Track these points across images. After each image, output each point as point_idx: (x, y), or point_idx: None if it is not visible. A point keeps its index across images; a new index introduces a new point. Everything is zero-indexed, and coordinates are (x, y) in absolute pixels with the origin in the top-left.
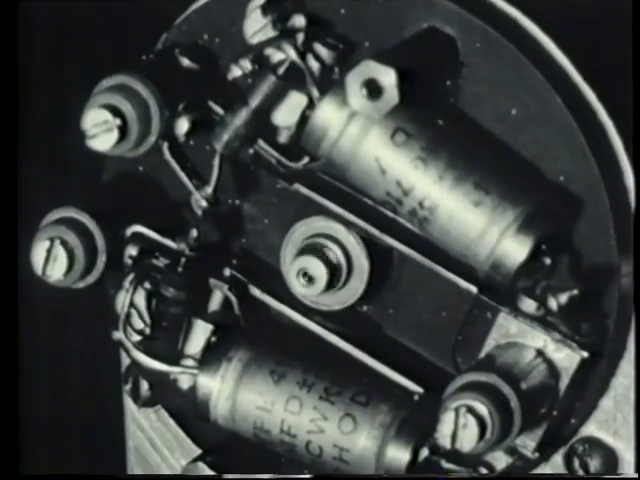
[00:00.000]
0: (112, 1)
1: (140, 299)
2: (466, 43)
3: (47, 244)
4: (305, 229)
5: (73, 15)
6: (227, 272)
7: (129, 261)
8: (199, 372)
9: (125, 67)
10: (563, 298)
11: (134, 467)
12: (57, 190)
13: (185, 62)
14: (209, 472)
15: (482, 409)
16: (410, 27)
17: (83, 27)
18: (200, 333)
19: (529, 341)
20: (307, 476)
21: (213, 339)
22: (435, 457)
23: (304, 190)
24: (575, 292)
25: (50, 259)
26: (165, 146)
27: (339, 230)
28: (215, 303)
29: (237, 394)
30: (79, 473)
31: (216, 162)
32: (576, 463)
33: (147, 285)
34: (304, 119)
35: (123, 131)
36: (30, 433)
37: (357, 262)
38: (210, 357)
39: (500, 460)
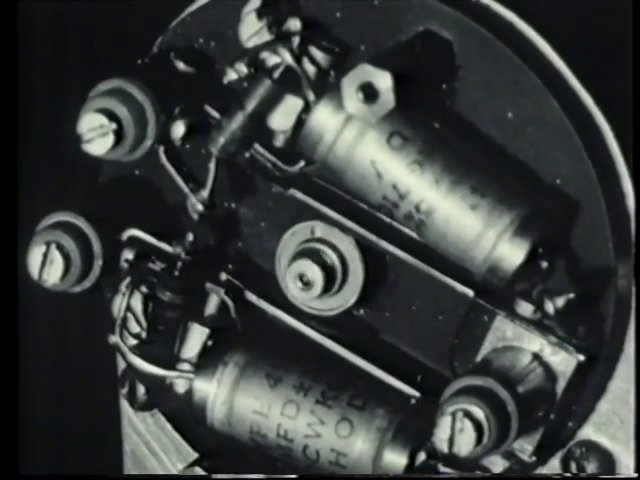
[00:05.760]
0: (108, 3)
1: (136, 303)
2: (462, 46)
3: (43, 248)
4: (297, 235)
5: (72, 18)
6: (223, 277)
7: (125, 265)
8: (195, 376)
9: (121, 71)
10: (560, 301)
11: (130, 471)
12: (53, 194)
13: (181, 66)
14: None
15: (479, 413)
16: (406, 30)
17: (80, 30)
18: (196, 337)
19: (526, 345)
20: (293, 476)
21: (209, 343)
22: (432, 461)
23: (300, 196)
24: (572, 295)
25: (46, 263)
26: (161, 150)
27: (335, 235)
28: (211, 307)
29: (233, 398)
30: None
31: (212, 166)
32: (573, 466)
33: (143, 289)
34: (300, 123)
35: (119, 135)
36: (29, 434)
37: (353, 266)
38: (206, 361)
39: (497, 464)
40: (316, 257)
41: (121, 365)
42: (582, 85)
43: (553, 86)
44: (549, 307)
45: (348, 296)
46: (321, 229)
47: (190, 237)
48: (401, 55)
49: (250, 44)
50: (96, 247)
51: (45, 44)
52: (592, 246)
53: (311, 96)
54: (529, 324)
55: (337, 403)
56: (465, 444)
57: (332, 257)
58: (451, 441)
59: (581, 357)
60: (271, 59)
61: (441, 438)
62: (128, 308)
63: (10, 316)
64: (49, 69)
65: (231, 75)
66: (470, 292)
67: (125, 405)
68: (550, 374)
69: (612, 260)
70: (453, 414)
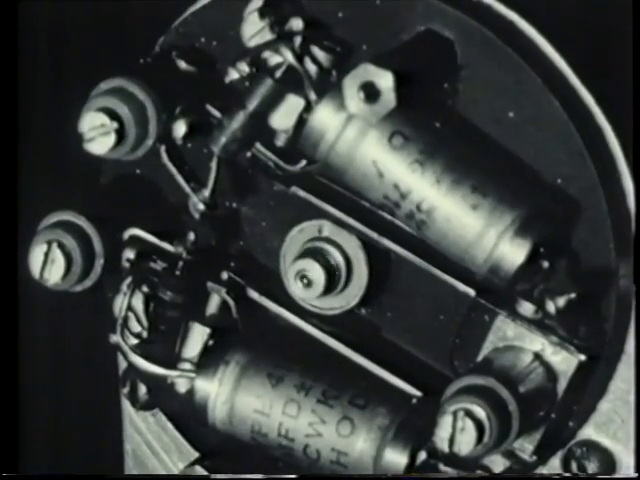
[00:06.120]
0: (110, 3)
1: (138, 302)
2: (464, 46)
3: (45, 247)
4: (304, 232)
5: (72, 18)
6: (225, 275)
7: (127, 264)
8: (196, 375)
9: (122, 70)
10: (561, 301)
11: (131, 470)
12: (54, 193)
13: (182, 65)
14: None
15: (480, 412)
16: (408, 30)
17: (81, 30)
18: (197, 336)
19: (527, 344)
20: (293, 476)
21: (210, 342)
22: (433, 460)
23: (302, 193)
24: (573, 295)
25: (48, 262)
26: (162, 149)
27: (342, 235)
28: (213, 306)
29: (235, 397)
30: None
31: (214, 165)
32: (574, 466)
33: (145, 288)
34: (301, 122)
35: (120, 134)
36: (29, 434)
37: (356, 265)
38: (208, 360)
39: (498, 463)
40: (319, 257)
41: (122, 365)
42: (583, 84)
43: (554, 86)
44: (550, 307)
45: (351, 297)
46: (329, 229)
47: (191, 236)
48: (403, 55)
49: (252, 43)
50: (97, 246)
51: (46, 44)
52: (593, 246)
53: (313, 95)
54: (530, 324)
55: (338, 402)
56: (466, 443)
57: (336, 257)
58: (452, 440)
59: (582, 357)
60: (273, 58)
61: (442, 437)
62: (129, 307)
63: (10, 315)
64: (50, 69)
65: (233, 74)
66: (471, 291)
67: (126, 404)
68: (551, 374)
69: (613, 260)
70: (454, 413)
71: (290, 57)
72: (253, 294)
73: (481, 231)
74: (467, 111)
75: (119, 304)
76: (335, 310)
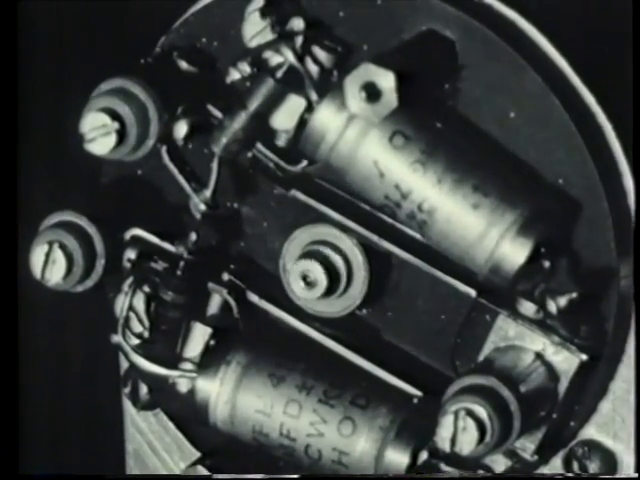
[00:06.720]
0: (111, 3)
1: (139, 303)
2: (465, 46)
3: (46, 248)
4: (305, 235)
5: (72, 18)
6: (225, 276)
7: (128, 265)
8: (198, 375)
9: (123, 70)
10: (562, 301)
11: (133, 470)
12: (56, 194)
13: (183, 65)
14: None
15: (481, 412)
16: (409, 30)
17: (82, 30)
18: (199, 336)
19: (528, 344)
20: (295, 476)
21: (212, 342)
22: (434, 460)
23: (301, 196)
24: (574, 295)
25: (49, 263)
26: (164, 150)
27: (338, 236)
28: (214, 306)
29: (236, 397)
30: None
31: (215, 165)
32: (575, 466)
33: (146, 289)
34: (303, 122)
35: (121, 135)
36: (29, 434)
37: (356, 268)
38: (209, 360)
39: (499, 463)
40: (320, 258)
41: (124, 365)
42: (584, 84)
43: (555, 85)
44: (551, 306)
45: (352, 299)
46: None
47: (192, 237)
48: (404, 55)
49: (253, 43)
50: (99, 247)
51: (46, 44)
52: (594, 245)
53: (314, 96)
54: (531, 323)
55: (339, 402)
56: (467, 443)
57: (337, 260)
58: (453, 440)
59: (583, 356)
60: (274, 59)
61: (443, 437)
62: (130, 308)
63: (11, 316)
64: (50, 69)
65: (234, 75)
66: (472, 292)
67: (128, 405)
68: (552, 373)
69: (614, 260)
70: (455, 413)
71: (291, 57)
72: (253, 297)
73: (482, 231)
74: (468, 111)
75: (120, 304)
76: (335, 314)
